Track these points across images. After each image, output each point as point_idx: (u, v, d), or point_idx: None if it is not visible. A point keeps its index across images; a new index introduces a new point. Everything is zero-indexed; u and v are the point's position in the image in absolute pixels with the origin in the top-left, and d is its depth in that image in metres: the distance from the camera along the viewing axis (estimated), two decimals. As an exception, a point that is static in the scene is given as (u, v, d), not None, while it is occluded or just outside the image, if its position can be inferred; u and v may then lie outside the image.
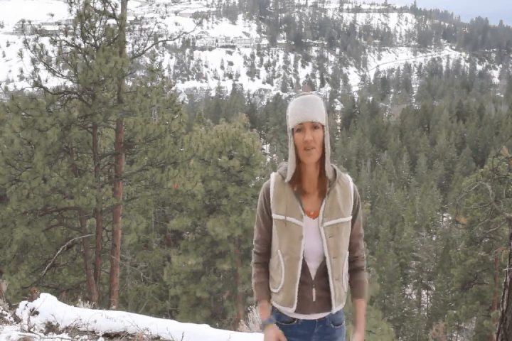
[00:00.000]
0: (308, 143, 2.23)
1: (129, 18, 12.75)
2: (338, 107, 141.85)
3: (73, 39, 11.06)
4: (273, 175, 2.43)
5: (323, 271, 2.36)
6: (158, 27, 12.47)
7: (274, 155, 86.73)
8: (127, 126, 12.12)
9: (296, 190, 2.35)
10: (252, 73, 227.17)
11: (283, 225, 2.34)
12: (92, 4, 11.06)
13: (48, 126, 10.43)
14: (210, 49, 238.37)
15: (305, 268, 2.35)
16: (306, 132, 2.24)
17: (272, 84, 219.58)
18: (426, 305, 40.63)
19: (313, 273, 2.36)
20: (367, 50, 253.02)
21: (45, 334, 4.74)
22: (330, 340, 2.44)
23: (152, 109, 12.11)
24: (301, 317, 2.41)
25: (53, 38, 10.90)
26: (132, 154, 12.89)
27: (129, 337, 4.65)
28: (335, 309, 2.40)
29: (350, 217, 2.39)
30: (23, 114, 10.62)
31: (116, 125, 11.98)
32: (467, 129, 79.14)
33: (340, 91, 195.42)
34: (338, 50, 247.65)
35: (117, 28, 11.36)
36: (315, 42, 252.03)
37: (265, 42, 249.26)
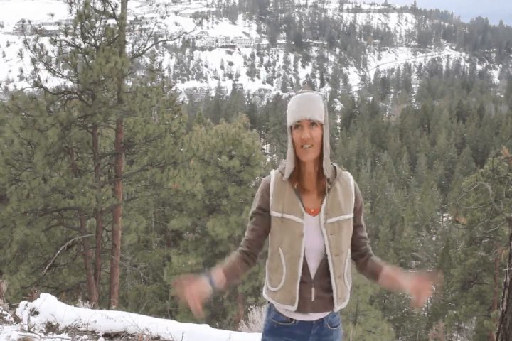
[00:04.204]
0: (306, 140, 2.20)
1: (129, 18, 12.74)
2: (338, 107, 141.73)
3: (73, 39, 11.06)
4: (273, 172, 2.39)
5: (323, 270, 2.32)
6: (158, 27, 12.46)
7: (274, 155, 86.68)
8: (127, 126, 12.12)
9: (296, 187, 2.32)
10: (252, 73, 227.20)
11: (281, 223, 2.30)
12: (92, 4, 11.06)
13: (48, 126, 10.43)
14: (210, 49, 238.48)
15: (305, 267, 2.31)
16: (303, 130, 2.21)
17: (272, 84, 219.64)
18: (426, 305, 40.64)
19: (312, 272, 2.32)
20: (367, 50, 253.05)
21: (45, 334, 4.74)
22: None
23: (152, 109, 12.10)
24: (299, 317, 2.37)
25: (53, 38, 10.90)
26: (132, 154, 12.89)
27: (129, 337, 4.65)
28: (337, 308, 2.36)
29: (352, 215, 2.35)
30: (23, 114, 10.62)
31: (116, 125, 11.98)
32: (467, 129, 79.20)
33: (340, 92, 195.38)
34: (338, 50, 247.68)
35: (117, 28, 11.36)
36: (315, 42, 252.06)
37: (265, 42, 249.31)
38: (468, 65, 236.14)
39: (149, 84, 11.83)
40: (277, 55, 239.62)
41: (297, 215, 2.29)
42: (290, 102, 2.29)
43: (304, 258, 2.30)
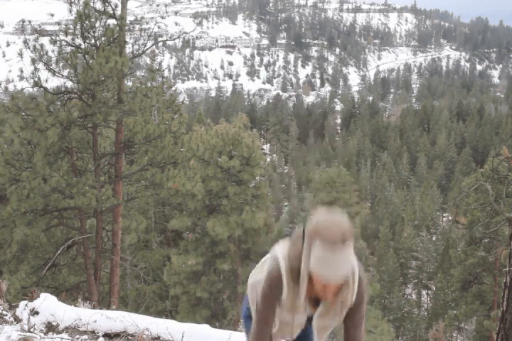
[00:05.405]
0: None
1: (129, 18, 12.74)
2: (338, 107, 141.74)
3: (73, 39, 11.05)
4: (283, 269, 2.16)
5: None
6: (158, 27, 12.47)
7: (274, 155, 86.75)
8: (127, 126, 12.11)
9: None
10: (252, 73, 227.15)
11: (282, 318, 2.34)
12: (92, 4, 11.06)
13: (48, 126, 10.43)
14: (210, 49, 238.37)
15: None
16: (327, 292, 2.08)
17: (272, 84, 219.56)
18: (426, 305, 40.66)
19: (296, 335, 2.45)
20: (367, 50, 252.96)
21: (45, 334, 4.74)
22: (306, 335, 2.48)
23: (152, 109, 12.10)
24: None
25: (53, 38, 10.89)
26: (132, 154, 12.88)
27: (129, 337, 4.65)
28: None
29: (345, 313, 2.25)
30: (23, 114, 10.62)
31: (116, 125, 11.97)
32: (467, 129, 79.25)
33: (340, 92, 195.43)
34: (338, 50, 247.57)
35: (117, 28, 11.35)
36: (315, 42, 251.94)
37: (265, 42, 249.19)
38: (468, 65, 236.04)
39: (149, 84, 11.82)
40: (277, 55, 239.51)
41: (300, 313, 2.28)
42: (319, 248, 1.96)
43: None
